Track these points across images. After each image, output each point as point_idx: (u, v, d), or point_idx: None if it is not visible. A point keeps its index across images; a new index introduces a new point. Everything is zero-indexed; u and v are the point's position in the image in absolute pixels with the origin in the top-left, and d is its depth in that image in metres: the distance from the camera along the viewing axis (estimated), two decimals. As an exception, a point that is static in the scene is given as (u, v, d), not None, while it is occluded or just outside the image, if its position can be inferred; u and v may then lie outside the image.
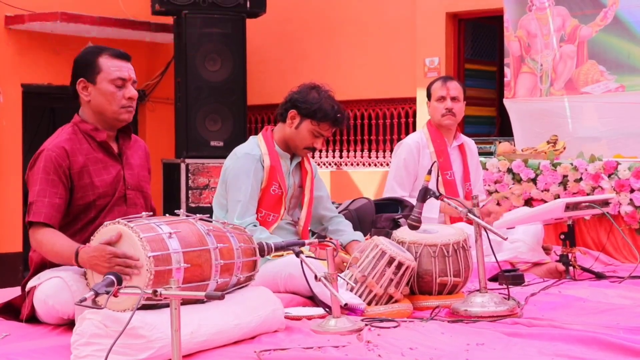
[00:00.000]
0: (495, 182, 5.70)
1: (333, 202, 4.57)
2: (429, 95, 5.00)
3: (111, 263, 2.74)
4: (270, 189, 3.82)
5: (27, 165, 3.19)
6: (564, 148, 5.74)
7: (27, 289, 3.13)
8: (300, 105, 3.85)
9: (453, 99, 4.89)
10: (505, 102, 6.59)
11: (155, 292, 2.33)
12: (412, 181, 4.88)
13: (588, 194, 5.27)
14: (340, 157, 8.23)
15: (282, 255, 3.63)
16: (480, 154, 5.43)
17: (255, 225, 3.71)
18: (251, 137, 4.00)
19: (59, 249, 2.97)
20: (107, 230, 2.81)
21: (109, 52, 3.20)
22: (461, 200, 4.55)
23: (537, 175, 5.55)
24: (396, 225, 4.29)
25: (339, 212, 4.34)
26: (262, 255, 3.12)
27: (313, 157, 8.16)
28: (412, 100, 7.70)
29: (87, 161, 3.15)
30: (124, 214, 3.11)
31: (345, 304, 3.09)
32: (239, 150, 3.89)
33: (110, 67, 3.17)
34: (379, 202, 4.75)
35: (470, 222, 3.54)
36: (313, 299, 3.49)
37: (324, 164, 8.30)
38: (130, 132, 3.34)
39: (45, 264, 3.14)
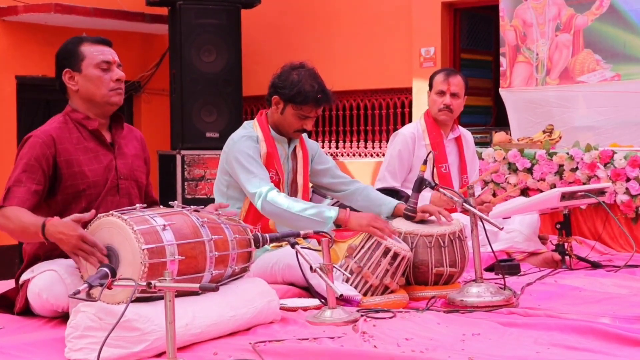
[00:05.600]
0: (491, 172, 5.69)
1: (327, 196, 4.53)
2: (430, 86, 4.96)
3: (77, 246, 2.75)
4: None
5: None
6: (560, 137, 5.74)
7: (20, 281, 3.13)
8: (280, 90, 3.78)
9: (453, 95, 4.85)
10: (501, 91, 6.58)
11: (149, 284, 2.33)
12: (406, 172, 4.85)
13: (584, 183, 5.27)
14: (337, 147, 8.22)
15: (282, 245, 3.62)
16: (476, 143, 5.42)
17: (277, 191, 3.63)
18: (246, 123, 3.93)
19: (26, 223, 2.93)
20: (101, 222, 2.80)
21: (90, 39, 3.21)
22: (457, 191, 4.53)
23: (533, 165, 5.55)
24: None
25: (333, 205, 4.32)
26: (257, 246, 3.11)
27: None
28: (408, 91, 7.68)
29: (77, 150, 3.13)
30: (117, 204, 3.10)
31: (341, 295, 3.09)
32: (236, 135, 3.85)
33: (93, 52, 3.17)
34: (375, 192, 4.73)
35: (466, 212, 3.54)
36: (309, 290, 3.49)
37: (320, 155, 8.29)
38: (123, 121, 3.31)
39: (39, 256, 3.12)
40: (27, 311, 3.11)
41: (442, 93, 4.86)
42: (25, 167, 3.05)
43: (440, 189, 3.63)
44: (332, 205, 4.34)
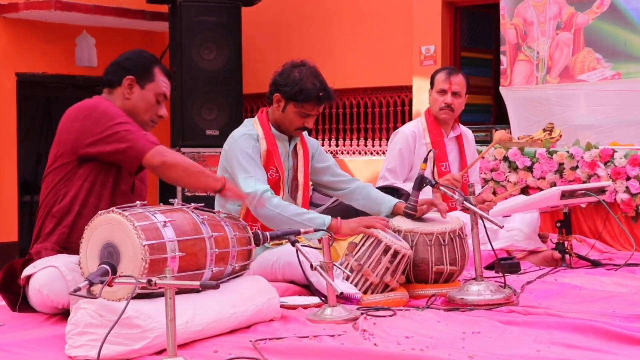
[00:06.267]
0: (492, 170, 5.70)
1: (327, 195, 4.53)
2: (432, 84, 4.95)
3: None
4: (268, 173, 3.79)
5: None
6: (560, 136, 5.73)
7: (22, 276, 3.12)
8: (282, 88, 3.79)
9: (454, 94, 4.84)
10: (502, 90, 6.58)
11: (149, 281, 2.33)
12: (407, 171, 4.85)
13: (584, 182, 5.28)
14: (337, 145, 8.22)
15: (282, 243, 3.63)
16: (477, 142, 5.42)
17: (271, 194, 3.65)
18: (246, 120, 3.94)
19: (203, 169, 3.21)
20: (102, 219, 2.79)
21: (161, 66, 3.35)
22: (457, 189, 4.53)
23: (533, 163, 5.55)
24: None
25: (332, 203, 4.32)
26: (257, 244, 3.11)
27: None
28: (408, 89, 7.67)
29: None
30: (130, 201, 3.15)
31: (341, 293, 3.09)
32: (236, 132, 3.86)
33: (162, 81, 3.32)
34: (375, 190, 4.73)
35: (466, 210, 3.54)
36: (309, 288, 3.49)
37: (320, 153, 8.28)
38: None
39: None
40: (26, 306, 3.11)
41: (443, 92, 4.85)
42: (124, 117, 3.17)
43: (441, 187, 3.63)
44: (332, 203, 4.36)
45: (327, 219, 3.55)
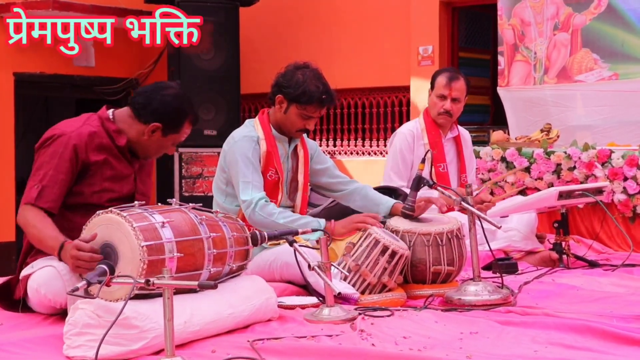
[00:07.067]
0: (489, 171, 5.70)
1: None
2: (432, 85, 4.93)
3: (75, 264, 2.81)
4: (267, 174, 3.80)
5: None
6: (558, 136, 5.74)
7: (20, 277, 3.12)
8: (284, 89, 3.80)
9: (454, 100, 4.83)
10: (499, 90, 6.58)
11: (147, 281, 2.33)
12: (409, 170, 4.86)
13: (581, 182, 5.28)
14: (334, 145, 8.22)
15: (279, 243, 3.63)
16: (474, 142, 5.42)
17: (266, 201, 3.67)
18: (247, 121, 3.95)
19: (46, 236, 2.97)
20: (100, 219, 2.79)
21: (192, 117, 3.28)
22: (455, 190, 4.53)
23: (530, 164, 5.55)
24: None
25: (330, 204, 4.32)
26: (254, 244, 3.11)
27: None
28: (406, 89, 7.67)
29: (106, 158, 3.17)
30: None
31: (339, 293, 3.09)
32: (237, 133, 3.86)
33: (184, 133, 3.28)
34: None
35: (464, 211, 3.54)
36: (307, 288, 3.49)
37: (318, 153, 8.27)
38: None
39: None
40: (25, 306, 3.11)
41: (443, 97, 4.83)
42: (59, 168, 3.08)
43: (439, 188, 3.64)
44: (330, 204, 4.36)
45: (322, 222, 3.59)
